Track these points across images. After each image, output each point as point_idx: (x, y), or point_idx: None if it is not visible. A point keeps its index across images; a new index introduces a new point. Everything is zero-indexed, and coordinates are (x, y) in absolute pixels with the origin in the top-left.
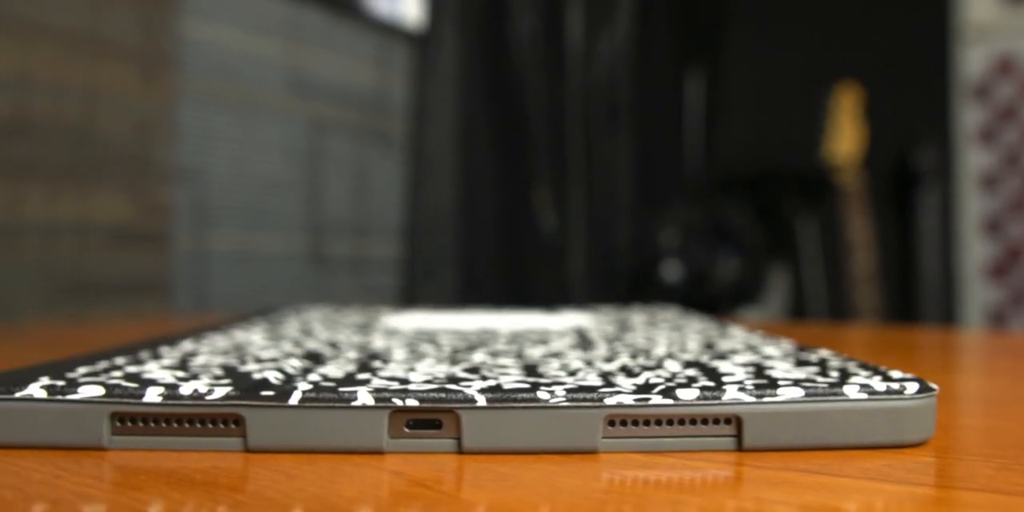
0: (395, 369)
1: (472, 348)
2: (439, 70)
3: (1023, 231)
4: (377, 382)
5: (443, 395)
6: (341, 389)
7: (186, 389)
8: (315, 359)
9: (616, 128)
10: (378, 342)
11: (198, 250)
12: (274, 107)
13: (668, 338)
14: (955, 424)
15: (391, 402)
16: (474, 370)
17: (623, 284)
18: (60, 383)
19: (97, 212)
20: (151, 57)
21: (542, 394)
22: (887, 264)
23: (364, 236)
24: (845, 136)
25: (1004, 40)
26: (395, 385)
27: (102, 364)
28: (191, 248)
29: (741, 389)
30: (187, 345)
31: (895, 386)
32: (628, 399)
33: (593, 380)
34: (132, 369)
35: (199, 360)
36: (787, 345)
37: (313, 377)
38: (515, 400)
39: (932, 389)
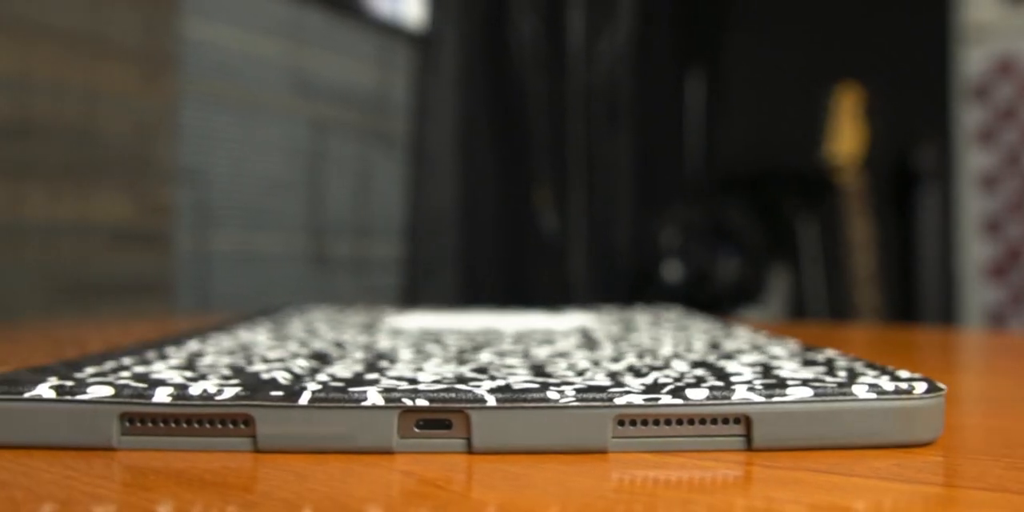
0: (403, 369)
1: (478, 348)
2: (440, 70)
3: (1023, 231)
4: (386, 382)
5: (453, 395)
6: (351, 389)
7: (195, 389)
8: (322, 359)
9: (617, 128)
10: (384, 342)
11: (199, 250)
12: (275, 107)
13: (673, 338)
14: (962, 424)
15: (401, 402)
16: (482, 370)
17: (624, 284)
18: (69, 383)
19: (98, 212)
20: (152, 57)
21: (552, 394)
22: (887, 264)
23: (365, 236)
24: (845, 136)
25: (1004, 40)
26: (404, 385)
27: (109, 364)
28: (192, 248)
29: (750, 389)
30: (193, 345)
31: (904, 386)
32: (638, 399)
33: (602, 380)
34: (140, 369)
35: (206, 360)
36: (793, 345)
37: (321, 377)
38: (525, 400)
39: (940, 389)
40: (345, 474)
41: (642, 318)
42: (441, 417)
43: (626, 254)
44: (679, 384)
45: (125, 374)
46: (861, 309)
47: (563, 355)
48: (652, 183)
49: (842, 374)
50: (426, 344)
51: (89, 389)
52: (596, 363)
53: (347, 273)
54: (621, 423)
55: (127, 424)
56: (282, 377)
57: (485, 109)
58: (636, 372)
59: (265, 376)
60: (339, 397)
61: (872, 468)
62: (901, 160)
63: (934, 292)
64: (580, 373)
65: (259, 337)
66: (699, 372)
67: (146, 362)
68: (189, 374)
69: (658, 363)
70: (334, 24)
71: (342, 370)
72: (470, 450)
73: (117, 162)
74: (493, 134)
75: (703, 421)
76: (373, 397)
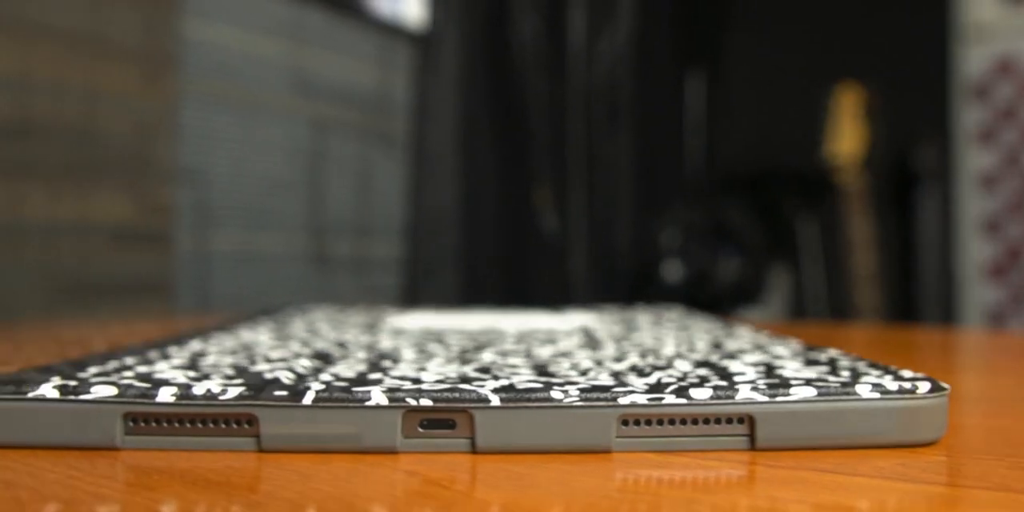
0: (406, 369)
1: (480, 348)
2: (441, 70)
3: (1022, 231)
4: (389, 382)
5: (457, 395)
6: (354, 389)
7: (199, 389)
8: (325, 359)
9: (617, 128)
10: (385, 342)
11: (200, 250)
12: (276, 107)
13: (675, 338)
14: (964, 424)
15: (405, 402)
16: (485, 370)
17: (624, 284)
18: (72, 383)
19: (99, 212)
20: (153, 57)
21: (556, 394)
22: (887, 264)
23: (366, 236)
24: (846, 136)
25: (1004, 40)
26: (408, 385)
27: (112, 364)
28: (193, 248)
29: (754, 388)
30: (195, 345)
31: (907, 386)
32: (642, 399)
33: (605, 380)
34: (143, 369)
35: (209, 360)
36: (795, 345)
37: (325, 377)
38: (529, 400)
39: (944, 388)
40: (349, 474)
41: (643, 318)
42: (445, 417)
43: (626, 254)
44: (683, 384)
45: (128, 374)
46: (861, 309)
47: (565, 355)
48: (652, 183)
49: (845, 374)
50: (428, 344)
51: (93, 389)
52: (599, 363)
53: (347, 273)
54: (625, 423)
55: (131, 424)
56: (285, 377)
57: (485, 109)
58: (639, 372)
59: (268, 376)
60: (343, 397)
61: (876, 468)
62: (901, 160)
63: (934, 292)
64: (583, 373)
65: (261, 337)
66: (702, 372)
67: (149, 362)
68: (192, 374)
69: (661, 363)
70: (334, 24)
71: (345, 370)
72: (474, 450)
73: (117, 162)
74: (493, 134)
75: (707, 421)
76: (377, 397)
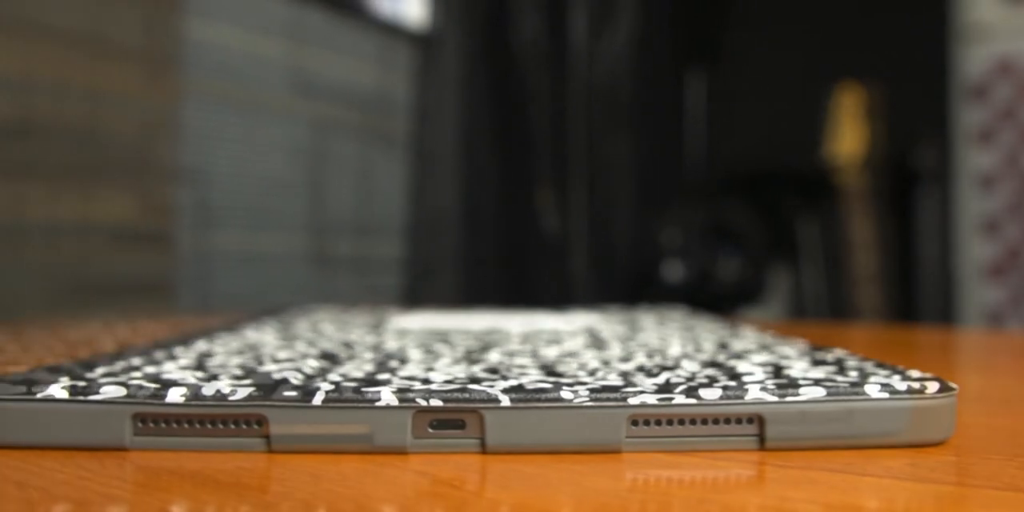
0: (413, 369)
1: (486, 348)
2: (442, 70)
3: (1022, 231)
4: (398, 382)
5: (467, 395)
6: (364, 389)
7: (208, 390)
8: (332, 359)
9: (618, 128)
10: (391, 342)
11: (201, 250)
12: (277, 107)
13: (681, 338)
14: (971, 424)
15: (415, 402)
16: (493, 370)
17: (625, 284)
18: (81, 384)
19: (100, 212)
20: (154, 57)
21: (565, 394)
22: (887, 264)
23: (367, 236)
24: (847, 136)
25: (1004, 40)
26: (417, 385)
27: (120, 364)
28: (194, 248)
29: (763, 388)
30: (201, 345)
31: (916, 385)
32: (651, 399)
33: (614, 380)
34: (150, 369)
35: (215, 360)
36: (801, 345)
37: (333, 377)
38: (539, 400)
39: (952, 388)
40: (360, 474)
41: (647, 318)
42: (455, 417)
43: (627, 254)
44: (692, 384)
45: (136, 374)
46: (861, 309)
47: (572, 355)
48: (653, 183)
49: (853, 374)
50: (434, 344)
51: (102, 390)
52: (606, 363)
53: (348, 273)
54: (635, 423)
55: (139, 424)
56: (294, 377)
57: (486, 109)
58: (647, 372)
59: (277, 376)
60: (353, 397)
61: (886, 467)
62: (901, 160)
63: (933, 292)
64: (591, 373)
65: (266, 337)
66: (710, 372)
67: (155, 362)
68: (200, 374)
69: (668, 363)
70: (335, 24)
71: (353, 370)
72: (483, 450)
73: (119, 162)
74: (494, 134)
75: (716, 421)
76: (387, 397)
